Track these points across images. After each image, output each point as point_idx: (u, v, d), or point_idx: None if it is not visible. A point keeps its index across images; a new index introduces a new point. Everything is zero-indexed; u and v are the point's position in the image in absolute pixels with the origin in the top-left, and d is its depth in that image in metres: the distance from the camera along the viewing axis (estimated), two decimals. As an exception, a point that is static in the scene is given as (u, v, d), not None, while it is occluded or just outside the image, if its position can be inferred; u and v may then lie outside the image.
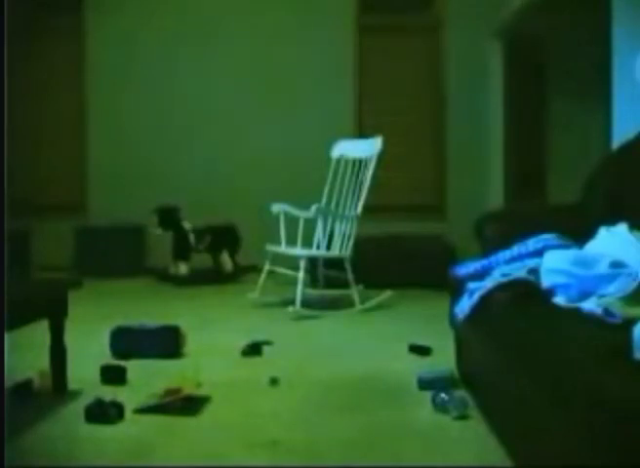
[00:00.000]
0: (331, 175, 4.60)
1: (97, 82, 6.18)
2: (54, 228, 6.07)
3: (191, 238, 5.39)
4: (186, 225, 5.41)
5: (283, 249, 4.17)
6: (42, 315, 2.27)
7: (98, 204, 6.19)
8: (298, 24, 6.12)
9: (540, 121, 5.87)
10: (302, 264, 3.98)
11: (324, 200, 4.61)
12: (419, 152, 6.15)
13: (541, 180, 5.83)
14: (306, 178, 5.86)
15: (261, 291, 4.25)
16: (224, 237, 5.57)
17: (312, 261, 4.79)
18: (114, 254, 5.68)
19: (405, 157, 6.10)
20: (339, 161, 4.64)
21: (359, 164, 4.40)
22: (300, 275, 3.93)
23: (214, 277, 5.42)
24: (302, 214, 4.34)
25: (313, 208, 4.05)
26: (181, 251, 5.38)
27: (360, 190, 4.29)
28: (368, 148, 4.35)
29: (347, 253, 4.17)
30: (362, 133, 5.98)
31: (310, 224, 4.54)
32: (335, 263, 4.44)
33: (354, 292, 4.13)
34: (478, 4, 5.98)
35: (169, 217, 5.37)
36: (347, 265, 4.16)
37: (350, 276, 4.15)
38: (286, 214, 4.37)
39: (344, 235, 4.21)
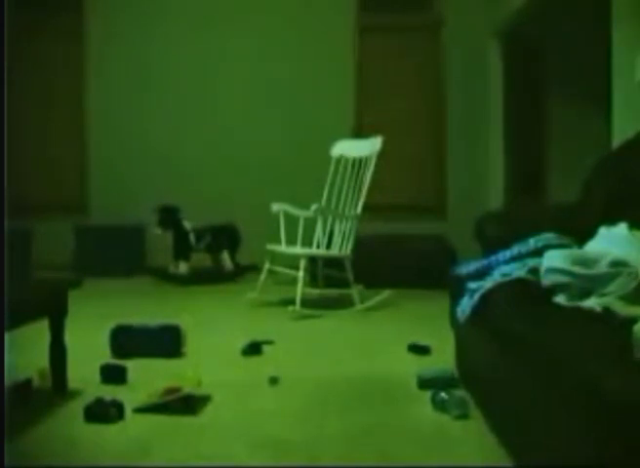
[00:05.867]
0: (331, 174, 4.60)
1: (97, 82, 6.19)
2: (54, 228, 6.07)
3: (191, 238, 5.40)
4: (187, 225, 5.41)
5: (283, 248, 4.17)
6: (42, 314, 2.27)
7: (98, 204, 6.19)
8: (298, 24, 6.12)
9: (539, 121, 5.87)
10: (302, 264, 3.98)
11: (324, 199, 4.61)
12: (419, 152, 6.15)
13: (541, 180, 5.83)
14: (307, 178, 5.87)
15: (261, 290, 4.25)
16: (224, 237, 5.57)
17: (312, 261, 4.79)
18: (114, 254, 5.69)
19: (405, 157, 6.10)
20: (339, 160, 4.64)
21: (359, 163, 4.40)
22: (300, 274, 3.93)
23: (214, 277, 5.42)
24: (302, 214, 4.34)
25: (313, 207, 4.05)
26: (182, 250, 5.38)
27: (360, 190, 4.29)
28: (368, 148, 4.35)
29: (347, 252, 4.17)
30: (362, 132, 5.98)
31: (310, 224, 4.54)
32: (335, 263, 4.44)
33: (354, 291, 4.13)
34: (478, 4, 5.98)
35: (169, 217, 5.37)
36: (347, 265, 4.16)
37: (350, 275, 4.15)
38: (286, 214, 4.38)
39: (344, 234, 4.21)
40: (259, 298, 4.28)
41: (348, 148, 4.54)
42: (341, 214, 4.24)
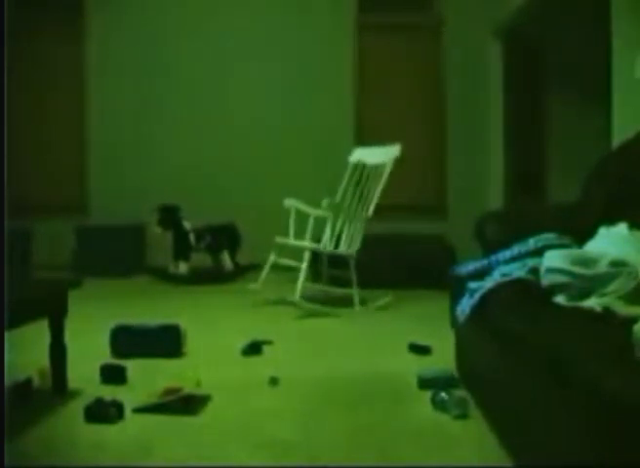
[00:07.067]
0: (346, 179, 4.56)
1: (97, 82, 6.18)
2: (54, 228, 6.07)
3: (191, 237, 5.40)
4: (186, 225, 5.41)
5: (291, 241, 4.17)
6: (42, 314, 2.27)
7: (98, 204, 6.19)
8: (297, 24, 6.12)
9: (539, 121, 5.86)
10: (307, 255, 3.97)
11: (337, 199, 4.58)
12: (419, 152, 6.15)
13: (541, 180, 5.83)
14: (307, 178, 5.87)
15: (263, 288, 4.25)
16: (224, 236, 5.57)
17: (316, 257, 4.77)
18: (114, 254, 5.68)
19: (405, 157, 6.06)
20: (356, 166, 4.60)
21: (374, 170, 4.39)
22: (304, 266, 3.93)
23: (214, 276, 5.42)
24: (313, 212, 4.36)
25: (324, 202, 4.07)
26: (182, 250, 5.38)
27: (372, 196, 4.27)
28: (384, 155, 4.36)
29: (354, 251, 4.17)
30: (362, 132, 5.98)
31: (319, 224, 4.55)
32: (339, 263, 4.43)
33: (355, 292, 4.13)
34: (478, 4, 5.98)
35: (169, 217, 5.37)
36: (352, 264, 4.16)
37: (354, 275, 4.15)
38: (297, 211, 4.38)
39: (352, 236, 4.22)
40: (259, 298, 4.28)
41: (367, 155, 4.55)
42: (352, 216, 4.24)
